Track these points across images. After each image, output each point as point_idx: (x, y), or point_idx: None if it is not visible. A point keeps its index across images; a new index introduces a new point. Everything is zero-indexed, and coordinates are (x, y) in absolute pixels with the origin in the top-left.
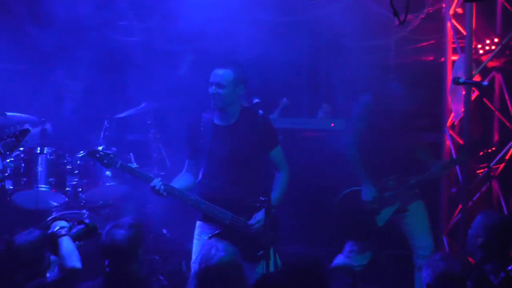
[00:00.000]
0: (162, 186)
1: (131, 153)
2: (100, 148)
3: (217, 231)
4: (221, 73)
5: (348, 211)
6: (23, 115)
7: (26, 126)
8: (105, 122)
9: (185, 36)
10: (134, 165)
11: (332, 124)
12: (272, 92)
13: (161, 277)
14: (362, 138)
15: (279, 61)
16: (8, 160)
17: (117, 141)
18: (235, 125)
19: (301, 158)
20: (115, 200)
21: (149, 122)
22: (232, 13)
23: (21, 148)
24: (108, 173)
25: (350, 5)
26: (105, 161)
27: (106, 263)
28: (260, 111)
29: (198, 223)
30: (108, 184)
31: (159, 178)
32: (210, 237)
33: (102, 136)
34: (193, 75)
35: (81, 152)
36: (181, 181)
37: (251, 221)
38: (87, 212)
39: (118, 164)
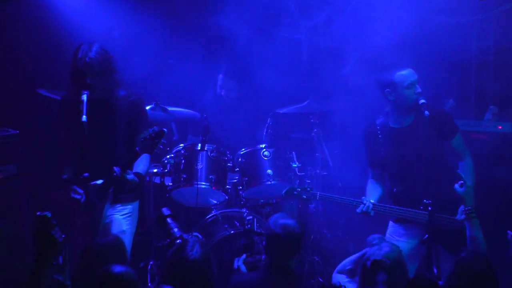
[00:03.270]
0: (372, 211)
1: (293, 152)
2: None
3: (426, 236)
4: (414, 71)
5: None
6: (184, 110)
7: (157, 127)
8: (268, 119)
9: (350, 35)
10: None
11: (500, 127)
12: (439, 93)
13: (320, 279)
14: None
15: (446, 62)
16: (168, 156)
17: (280, 138)
18: (412, 125)
19: None
20: (276, 199)
21: (312, 121)
22: (397, 12)
23: (181, 145)
24: (269, 171)
25: None
26: (305, 197)
27: (265, 257)
28: (426, 112)
29: (390, 223)
30: (269, 182)
31: (364, 201)
32: (422, 242)
33: (265, 133)
34: (357, 74)
35: (243, 149)
36: (374, 193)
37: (458, 216)
38: (247, 211)
39: (318, 196)
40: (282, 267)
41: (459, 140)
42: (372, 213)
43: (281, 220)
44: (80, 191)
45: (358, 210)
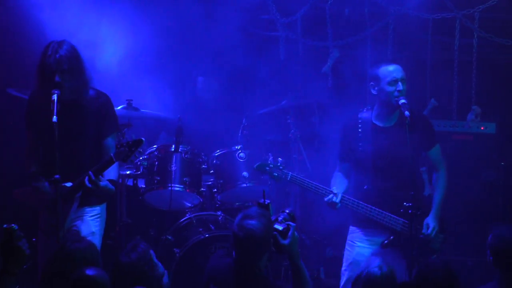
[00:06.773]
0: (339, 203)
1: (269, 153)
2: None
3: (390, 238)
4: (401, 68)
5: None
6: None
7: (136, 137)
8: (243, 120)
9: (330, 31)
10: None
11: (482, 128)
12: (420, 92)
13: None
14: None
15: (428, 60)
16: (141, 158)
17: (256, 140)
18: (396, 126)
19: (450, 162)
20: (252, 202)
21: (289, 121)
22: (377, 8)
23: (155, 146)
24: (245, 173)
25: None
26: (275, 174)
27: (234, 254)
28: (407, 113)
29: (351, 228)
30: (244, 185)
31: (334, 190)
32: (383, 246)
33: (240, 134)
34: (336, 73)
35: (218, 151)
36: (341, 186)
37: (424, 227)
38: (222, 214)
39: (289, 176)
40: (249, 267)
41: (437, 151)
42: (339, 205)
43: (244, 220)
44: (48, 188)
45: (326, 199)
